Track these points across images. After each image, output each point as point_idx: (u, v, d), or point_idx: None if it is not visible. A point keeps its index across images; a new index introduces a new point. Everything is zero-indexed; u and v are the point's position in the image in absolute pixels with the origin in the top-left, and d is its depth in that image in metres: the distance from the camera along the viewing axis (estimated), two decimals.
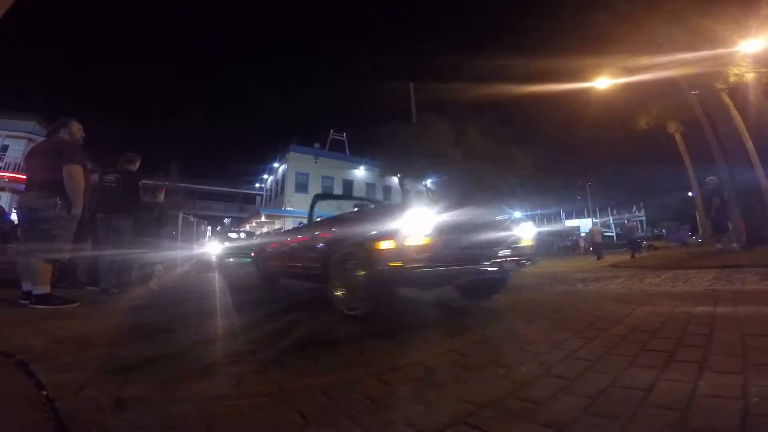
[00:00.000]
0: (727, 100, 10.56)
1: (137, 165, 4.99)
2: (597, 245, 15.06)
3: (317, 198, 4.63)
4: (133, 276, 4.93)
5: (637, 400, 1.16)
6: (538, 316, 2.80)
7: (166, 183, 25.34)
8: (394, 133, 25.65)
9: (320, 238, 3.57)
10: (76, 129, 3.69)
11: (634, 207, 60.95)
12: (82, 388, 1.29)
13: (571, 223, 55.74)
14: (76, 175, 3.32)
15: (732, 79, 10.01)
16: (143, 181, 5.21)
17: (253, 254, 7.40)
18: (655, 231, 49.27)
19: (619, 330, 2.15)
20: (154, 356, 1.76)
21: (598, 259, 13.24)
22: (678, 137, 15.96)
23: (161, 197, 6.02)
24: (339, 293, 2.98)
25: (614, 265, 8.97)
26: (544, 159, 29.04)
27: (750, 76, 9.83)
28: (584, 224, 51.32)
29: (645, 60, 10.70)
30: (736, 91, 10.44)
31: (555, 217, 58.13)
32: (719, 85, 10.37)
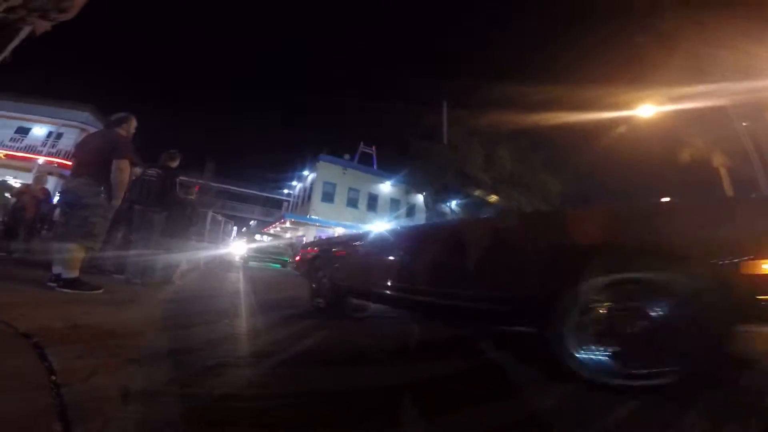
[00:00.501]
0: None
1: (177, 162, 5.20)
2: None
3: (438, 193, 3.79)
4: (159, 270, 5.05)
5: None
6: None
7: (200, 181, 26.23)
8: (423, 151, 25.76)
9: (547, 245, 2.02)
10: (133, 127, 3.93)
11: None
12: (92, 375, 1.29)
13: None
14: (124, 170, 3.52)
15: None
16: (180, 178, 5.39)
17: (298, 258, 6.06)
18: None
19: None
20: (170, 350, 1.77)
21: None
22: (723, 172, 15.14)
23: (194, 195, 6.20)
24: (594, 346, 1.67)
25: None
26: (576, 187, 28.31)
27: None
28: None
29: (690, 88, 10.25)
30: None
31: None
32: None
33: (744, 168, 11.45)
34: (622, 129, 13.72)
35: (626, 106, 12.31)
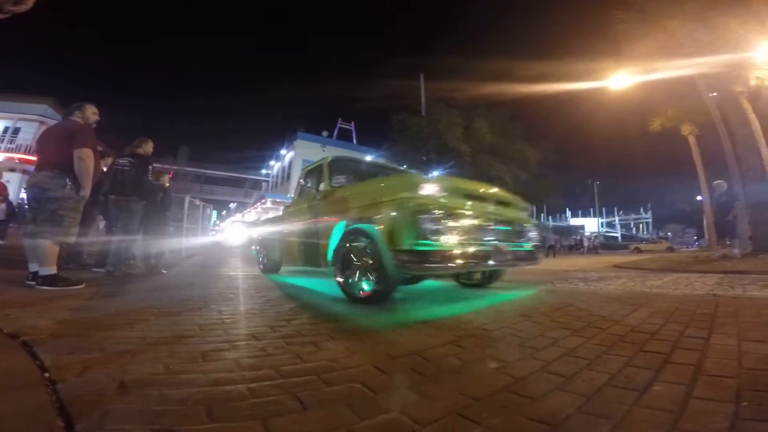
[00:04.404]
0: (746, 104, 10.28)
1: (149, 149, 5.04)
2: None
3: None
4: (140, 259, 4.99)
5: (630, 400, 1.17)
6: (539, 313, 2.79)
7: (174, 167, 25.49)
8: (402, 124, 25.62)
9: None
10: (90, 113, 3.72)
11: (641, 208, 60.68)
12: (86, 370, 1.31)
13: (576, 221, 55.54)
14: (86, 159, 3.36)
15: (753, 82, 9.74)
16: (153, 165, 5.26)
17: None
18: (660, 234, 49.24)
19: (618, 330, 2.15)
20: (159, 339, 1.79)
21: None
22: (692, 140, 15.65)
23: (166, 180, 6.06)
24: None
25: (617, 266, 9.10)
26: (552, 156, 28.82)
27: None
28: (589, 223, 51.09)
29: (663, 60, 10.47)
30: (757, 96, 10.15)
31: (561, 215, 58.04)
32: (738, 89, 10.11)
33: (710, 135, 11.90)
34: (597, 99, 13.98)
35: (601, 77, 12.48)
